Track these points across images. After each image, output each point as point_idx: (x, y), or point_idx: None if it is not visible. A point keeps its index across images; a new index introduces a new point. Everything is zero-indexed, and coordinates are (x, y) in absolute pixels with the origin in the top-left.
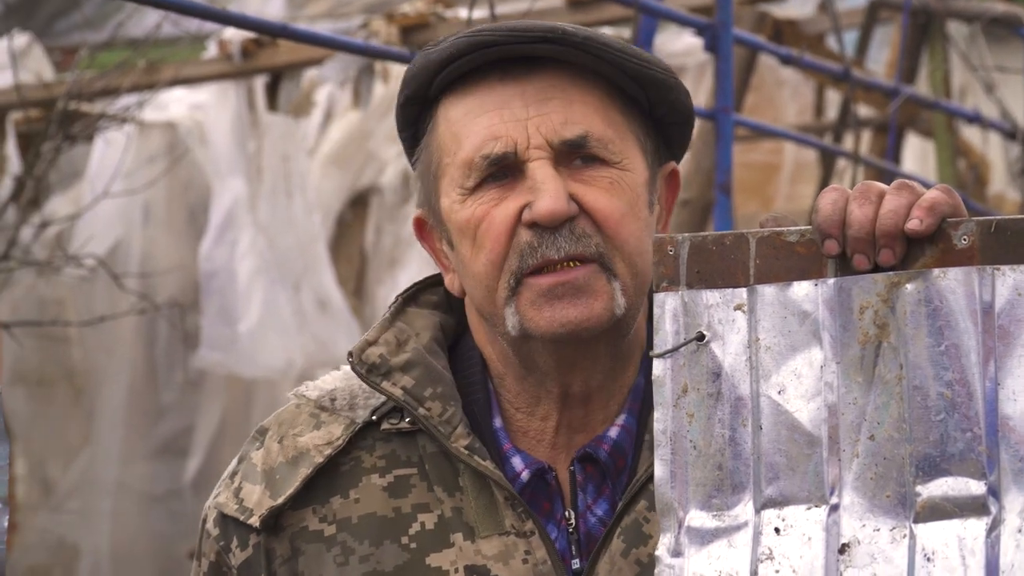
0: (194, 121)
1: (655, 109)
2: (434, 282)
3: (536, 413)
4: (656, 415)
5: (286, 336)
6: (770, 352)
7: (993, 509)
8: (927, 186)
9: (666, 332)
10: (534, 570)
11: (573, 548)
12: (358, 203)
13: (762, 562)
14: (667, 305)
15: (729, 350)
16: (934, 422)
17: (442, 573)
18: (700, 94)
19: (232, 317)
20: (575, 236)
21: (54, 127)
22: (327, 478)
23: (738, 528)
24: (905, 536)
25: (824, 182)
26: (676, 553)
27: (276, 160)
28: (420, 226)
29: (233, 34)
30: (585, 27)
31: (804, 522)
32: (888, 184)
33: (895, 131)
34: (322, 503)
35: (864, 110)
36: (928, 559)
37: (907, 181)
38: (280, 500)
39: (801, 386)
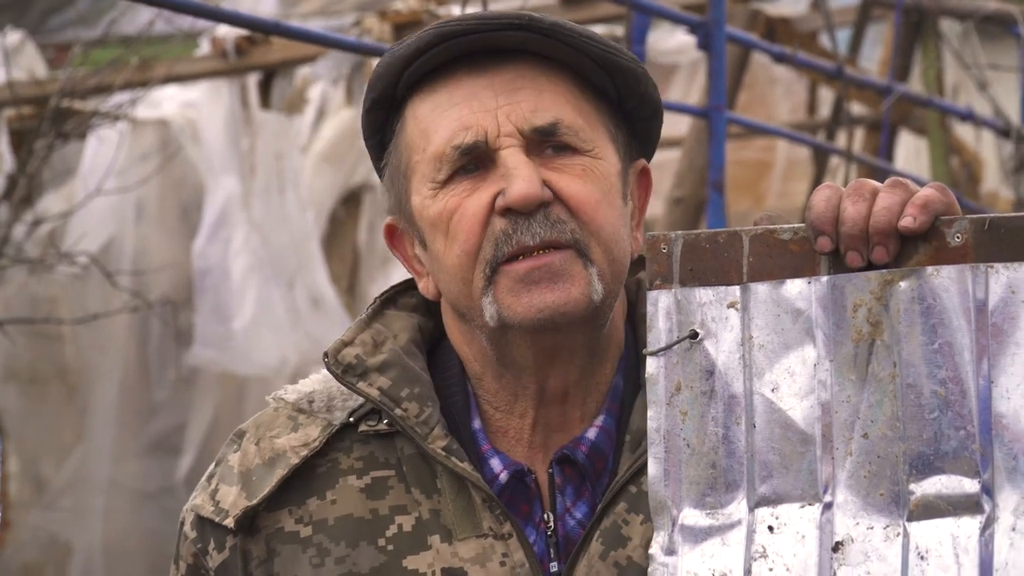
0: (187, 119)
1: (625, 102)
2: (413, 285)
3: (514, 411)
4: (650, 413)
5: (279, 333)
6: (763, 350)
7: (987, 507)
8: (920, 184)
9: (659, 330)
10: (511, 573)
11: (551, 551)
12: (351, 200)
13: (756, 560)
14: (660, 303)
15: (722, 348)
16: (928, 420)
17: (419, 575)
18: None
19: (225, 314)
20: (550, 222)
21: (47, 124)
22: (304, 479)
23: (732, 526)
24: (899, 534)
25: (817, 180)
26: (670, 551)
27: (269, 157)
28: (391, 233)
29: (226, 31)
30: (559, 17)
31: (798, 520)
32: (881, 182)
33: (888, 129)
34: (298, 504)
35: (857, 108)
36: (922, 557)
37: (901, 179)
38: (255, 501)
39: (794, 384)
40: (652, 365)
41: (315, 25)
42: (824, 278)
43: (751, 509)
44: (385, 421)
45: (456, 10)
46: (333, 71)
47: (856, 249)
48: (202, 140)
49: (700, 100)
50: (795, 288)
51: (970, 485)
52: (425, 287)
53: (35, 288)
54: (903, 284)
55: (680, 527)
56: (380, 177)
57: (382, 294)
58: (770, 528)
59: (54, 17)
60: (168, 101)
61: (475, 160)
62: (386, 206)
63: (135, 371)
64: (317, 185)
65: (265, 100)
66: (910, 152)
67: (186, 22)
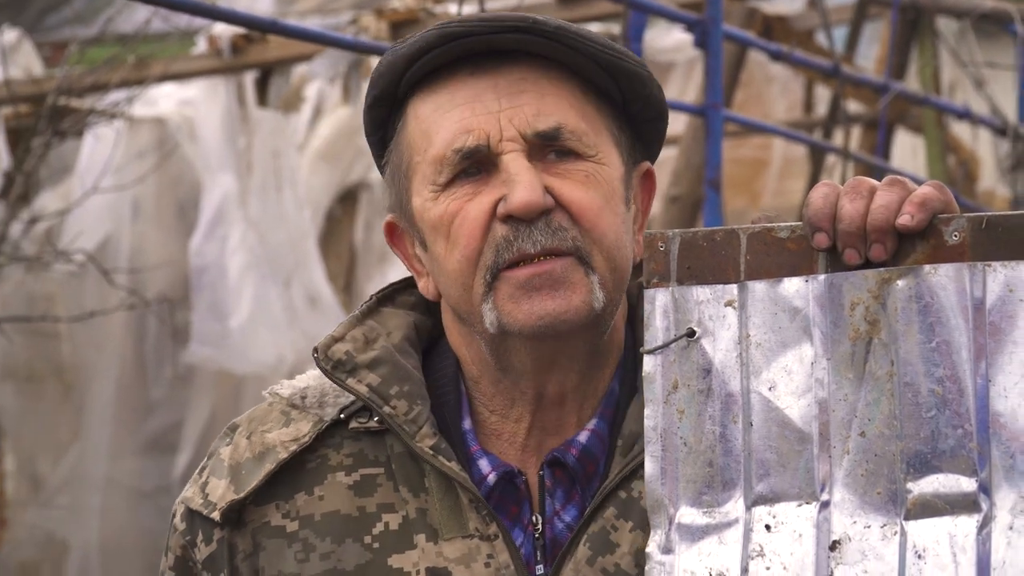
0: (184, 117)
1: (629, 105)
2: (412, 283)
3: (510, 415)
4: (647, 411)
5: (276, 332)
6: (761, 348)
7: (984, 506)
8: (918, 182)
9: (656, 328)
10: (496, 574)
11: (538, 553)
12: (348, 199)
13: (753, 559)
14: (657, 301)
15: (720, 346)
16: (925, 419)
17: (403, 574)
18: (690, 90)
19: (222, 312)
20: (551, 229)
21: (43, 122)
22: (292, 474)
23: (729, 525)
24: (896, 533)
25: (813, 178)
26: (667, 550)
27: (266, 156)
28: (391, 231)
29: (223, 30)
30: (562, 20)
31: (795, 519)
32: (878, 180)
33: (885, 127)
34: (286, 499)
35: (854, 106)
36: (919, 556)
37: (898, 177)
38: (242, 494)
39: (792, 382)
40: (649, 363)
41: (312, 23)
42: (821, 276)
43: (748, 508)
44: (376, 418)
45: (452, 8)
46: (330, 69)
47: (854, 247)
48: (199, 138)
49: (697, 98)
50: (792, 286)
51: (967, 484)
52: (425, 287)
53: (32, 286)
54: (901, 282)
55: (677, 525)
56: (382, 174)
57: (380, 291)
58: (767, 527)
59: (51, 15)
60: (165, 99)
61: (477, 164)
62: (386, 203)
63: (132, 369)
64: (314, 183)
65: (262, 98)
66: (907, 150)
67: (183, 20)
